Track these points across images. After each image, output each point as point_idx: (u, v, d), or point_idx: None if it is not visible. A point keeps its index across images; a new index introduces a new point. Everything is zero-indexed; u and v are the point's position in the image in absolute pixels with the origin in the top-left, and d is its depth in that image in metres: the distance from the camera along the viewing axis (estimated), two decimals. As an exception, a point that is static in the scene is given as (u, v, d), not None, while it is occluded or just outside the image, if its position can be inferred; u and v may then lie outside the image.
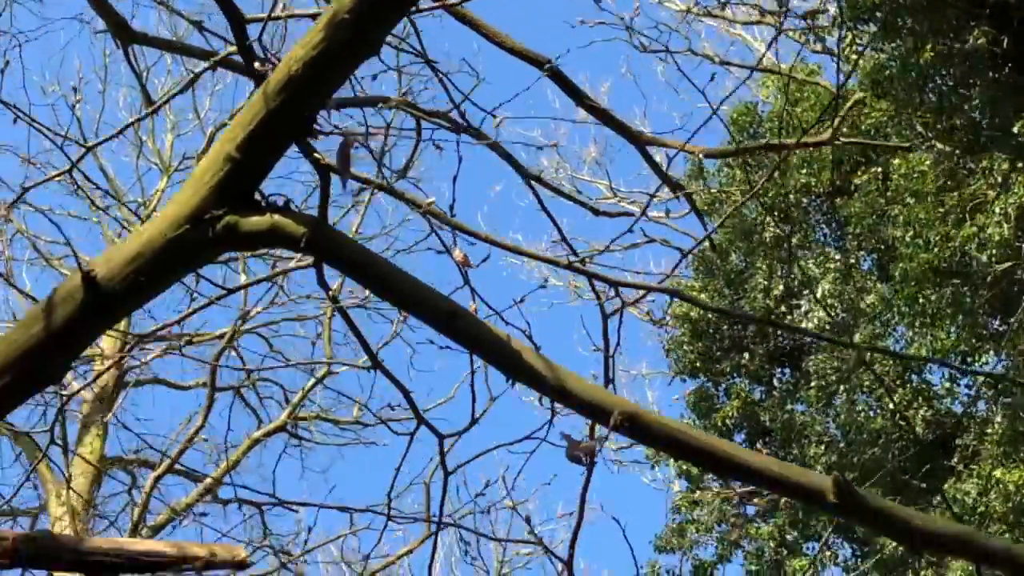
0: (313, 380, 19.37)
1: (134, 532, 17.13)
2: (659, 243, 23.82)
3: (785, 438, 18.71)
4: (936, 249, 13.43)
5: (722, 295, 19.98)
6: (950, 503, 15.34)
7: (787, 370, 20.83)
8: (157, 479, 16.80)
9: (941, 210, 13.21)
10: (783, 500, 20.15)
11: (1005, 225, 12.52)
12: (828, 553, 19.68)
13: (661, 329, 23.39)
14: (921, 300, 13.97)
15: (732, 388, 19.77)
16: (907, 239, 13.74)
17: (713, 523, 21.93)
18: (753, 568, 20.31)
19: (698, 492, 22.14)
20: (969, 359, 15.59)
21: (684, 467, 21.60)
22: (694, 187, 22.87)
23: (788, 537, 20.53)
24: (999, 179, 12.31)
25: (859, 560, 19.05)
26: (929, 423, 16.97)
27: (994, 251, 12.70)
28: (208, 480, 18.56)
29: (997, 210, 12.54)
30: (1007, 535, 13.03)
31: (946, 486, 15.55)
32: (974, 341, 14.03)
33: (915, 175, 13.90)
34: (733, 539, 21.76)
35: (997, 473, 12.70)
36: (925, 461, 16.55)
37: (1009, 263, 12.43)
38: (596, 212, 12.00)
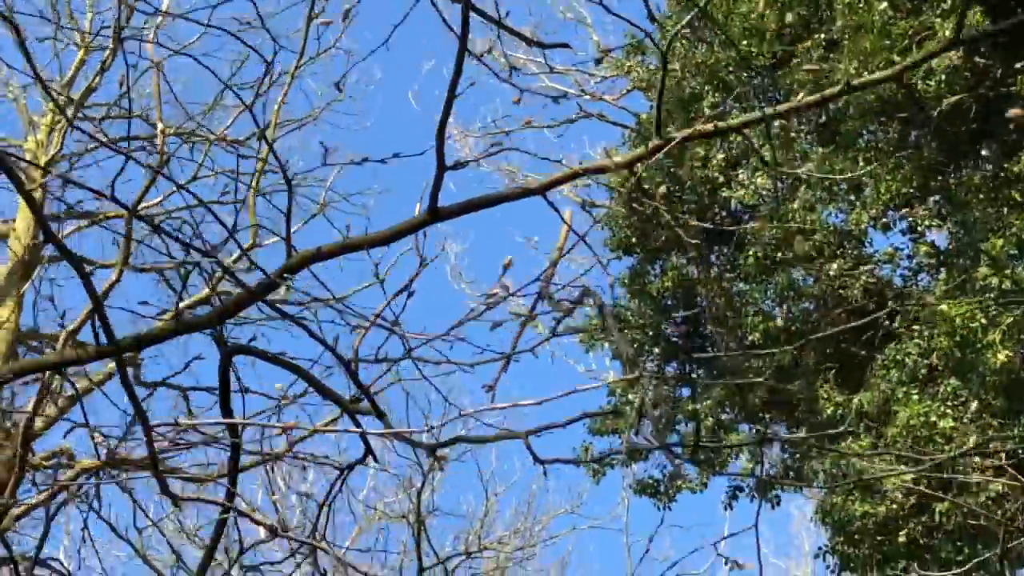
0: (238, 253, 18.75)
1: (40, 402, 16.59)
2: (595, 118, 23.55)
3: (722, 311, 18.48)
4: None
5: (660, 168, 19.60)
6: (889, 367, 15.24)
7: (725, 249, 20.58)
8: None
9: (888, 41, 12.88)
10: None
11: (953, 54, 12.22)
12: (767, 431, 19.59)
13: (594, 210, 23.12)
14: (866, 136, 13.68)
15: (668, 264, 19.47)
16: (851, 70, 13.41)
17: (649, 405, 21.74)
18: (689, 442, 20.13)
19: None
20: (909, 221, 15.40)
21: (619, 349, 21.40)
22: (633, 62, 22.52)
23: (723, 416, 20.44)
24: (948, 5, 11.99)
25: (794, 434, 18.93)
26: (869, 291, 16.80)
27: (943, 82, 12.40)
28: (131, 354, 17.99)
29: (947, 34, 12.22)
30: (953, 378, 12.88)
31: (887, 349, 15.39)
32: (915, 187, 13.79)
33: (861, 6, 13.55)
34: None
35: (943, 307, 12.51)
36: (866, 329, 16.39)
37: (958, 96, 12.14)
38: (531, 43, 11.52)
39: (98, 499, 14.71)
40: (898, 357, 15.05)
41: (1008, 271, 12.48)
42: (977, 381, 13.07)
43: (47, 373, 16.68)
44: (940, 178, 14.64)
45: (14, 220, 20.05)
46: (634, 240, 20.32)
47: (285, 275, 4.56)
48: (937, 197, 14.79)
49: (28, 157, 19.79)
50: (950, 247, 15.69)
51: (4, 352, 18.02)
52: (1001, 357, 11.77)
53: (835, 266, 16.69)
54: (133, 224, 14.86)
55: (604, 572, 31.93)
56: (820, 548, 19.93)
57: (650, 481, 22.01)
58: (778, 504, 20.93)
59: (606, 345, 22.31)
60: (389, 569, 30.92)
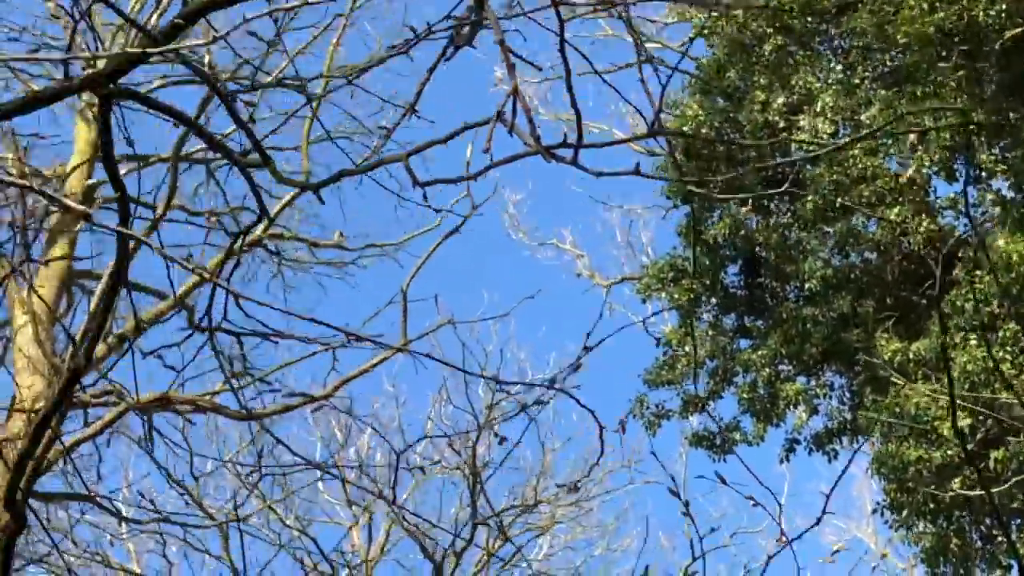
0: (291, 195, 18.83)
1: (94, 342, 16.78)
2: (655, 63, 23.23)
3: (779, 256, 18.24)
4: (941, 12, 12.79)
5: (719, 112, 19.35)
6: (945, 315, 14.96)
7: (785, 200, 20.27)
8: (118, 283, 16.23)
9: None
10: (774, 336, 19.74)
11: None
12: (821, 382, 19.36)
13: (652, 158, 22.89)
14: (925, 67, 13.37)
15: (725, 211, 19.23)
16: (911, 1, 13.09)
17: (705, 357, 21.57)
18: (746, 397, 19.97)
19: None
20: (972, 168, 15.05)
21: (677, 298, 21.20)
22: (694, 9, 22.21)
23: (782, 367, 20.20)
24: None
25: (852, 387, 18.70)
26: (931, 239, 16.49)
27: (1005, 11, 12.06)
28: (181, 293, 18.27)
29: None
30: (1012, 322, 12.60)
31: (949, 296, 15.10)
32: (977, 124, 13.46)
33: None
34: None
35: (1001, 242, 12.24)
36: (926, 277, 16.12)
37: (1020, 29, 11.81)
38: None
39: (150, 440, 14.85)
40: (957, 303, 14.77)
41: None
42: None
43: (100, 313, 16.81)
44: (1001, 115, 14.32)
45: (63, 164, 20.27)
46: (692, 186, 20.06)
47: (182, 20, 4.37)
48: (1001, 140, 14.46)
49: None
50: (1011, 185, 15.31)
51: (56, 289, 18.26)
52: None
53: (895, 212, 16.37)
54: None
55: (663, 527, 31.67)
56: (878, 503, 19.75)
57: (706, 434, 21.80)
58: (835, 457, 20.72)
59: (663, 295, 22.08)
60: (446, 522, 31.07)
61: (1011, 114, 13.94)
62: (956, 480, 14.14)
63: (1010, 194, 14.87)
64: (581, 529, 31.47)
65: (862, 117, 17.74)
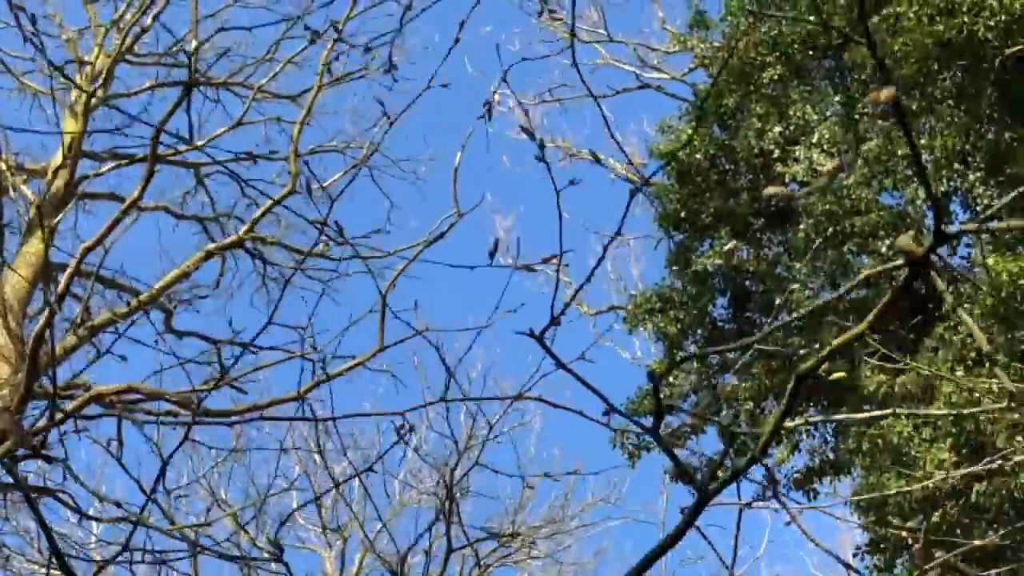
0: (276, 197, 18.60)
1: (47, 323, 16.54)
2: (654, 90, 23.21)
3: (768, 287, 18.04)
4: (941, 25, 12.66)
5: (713, 141, 19.23)
6: (936, 347, 14.70)
7: (776, 231, 20.13)
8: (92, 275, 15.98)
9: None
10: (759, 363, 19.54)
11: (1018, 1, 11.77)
12: (804, 419, 19.09)
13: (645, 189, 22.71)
14: (923, 80, 13.23)
15: (716, 240, 19.04)
16: (910, 13, 12.97)
17: (690, 389, 21.33)
18: (728, 425, 19.69)
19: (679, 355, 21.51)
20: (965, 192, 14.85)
21: (663, 327, 20.97)
22: (696, 39, 22.14)
23: (765, 405, 19.98)
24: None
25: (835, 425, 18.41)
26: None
27: (1004, 29, 11.92)
28: (155, 290, 18.06)
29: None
30: (1000, 353, 12.35)
31: (936, 329, 14.88)
32: (969, 141, 13.29)
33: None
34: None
35: (990, 261, 12.02)
36: (915, 311, 15.92)
37: (1020, 47, 11.68)
38: None
39: (119, 443, 14.52)
40: (945, 336, 14.56)
41: None
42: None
43: (55, 295, 16.58)
44: (993, 133, 14.17)
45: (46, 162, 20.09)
46: (683, 215, 19.92)
47: None
48: (988, 156, 14.28)
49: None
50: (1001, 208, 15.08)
51: (30, 283, 18.00)
52: None
53: (887, 244, 16.20)
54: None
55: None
56: (858, 547, 19.45)
57: (685, 468, 21.51)
58: (815, 497, 20.45)
59: (648, 326, 21.87)
60: (419, 552, 30.55)
61: (1006, 134, 13.80)
62: (937, 514, 13.88)
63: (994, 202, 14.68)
64: (558, 569, 31.01)
65: (862, 150, 17.62)
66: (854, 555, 19.47)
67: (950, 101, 13.55)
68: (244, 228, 19.05)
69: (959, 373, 13.89)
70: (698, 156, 18.97)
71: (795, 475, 19.96)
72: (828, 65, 19.67)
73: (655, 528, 29.04)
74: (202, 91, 21.56)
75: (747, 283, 20.62)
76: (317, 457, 30.79)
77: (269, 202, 19.12)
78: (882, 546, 15.50)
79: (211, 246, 18.95)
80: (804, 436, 19.52)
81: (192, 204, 22.64)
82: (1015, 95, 13.06)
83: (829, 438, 19.69)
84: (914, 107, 14.47)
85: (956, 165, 14.61)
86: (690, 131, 19.39)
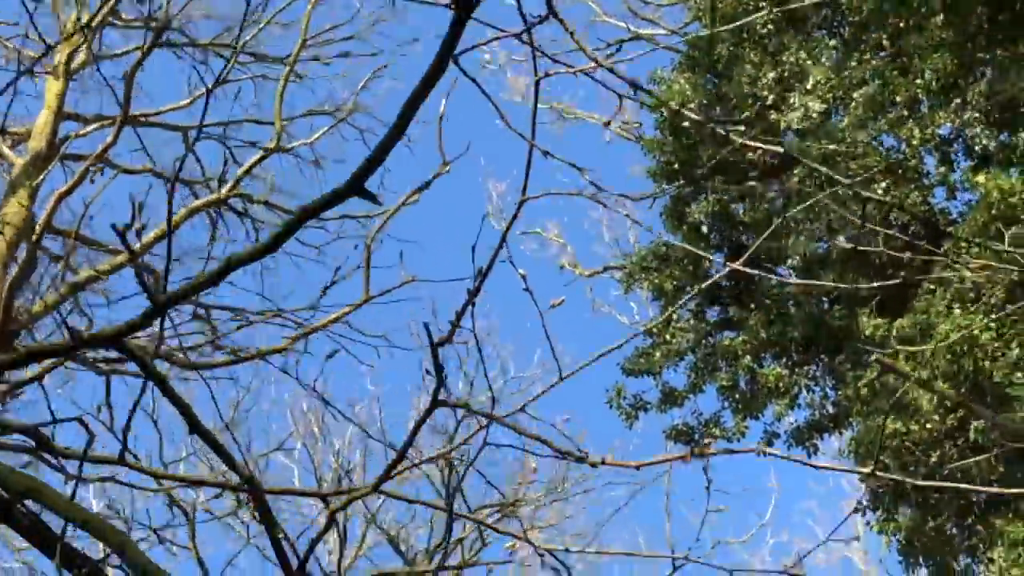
0: (260, 154, 18.37)
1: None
2: (647, 41, 22.87)
3: (761, 234, 17.72)
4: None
5: (706, 91, 18.92)
6: (934, 289, 14.46)
7: (771, 182, 19.79)
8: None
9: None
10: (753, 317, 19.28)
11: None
12: (803, 372, 18.82)
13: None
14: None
15: (709, 184, 18.72)
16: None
17: (687, 349, 21.01)
18: (727, 385, 19.44)
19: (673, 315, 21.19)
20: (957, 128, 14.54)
21: (660, 283, 20.65)
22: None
23: (764, 360, 19.70)
24: None
25: (834, 373, 18.17)
26: (919, 217, 16.00)
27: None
28: (138, 248, 17.83)
29: None
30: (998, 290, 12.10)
31: (934, 271, 14.61)
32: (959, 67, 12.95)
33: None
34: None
35: (981, 178, 11.75)
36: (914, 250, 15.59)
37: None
38: None
39: (108, 405, 14.33)
40: (944, 275, 14.27)
41: None
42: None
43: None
44: (985, 53, 13.87)
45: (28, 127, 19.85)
46: (677, 166, 19.61)
47: None
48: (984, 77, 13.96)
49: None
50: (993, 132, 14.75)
51: (10, 243, 17.76)
52: None
53: (883, 187, 15.91)
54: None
55: (649, 534, 30.93)
56: (859, 503, 19.17)
57: (684, 428, 21.21)
58: (815, 452, 20.18)
59: (645, 284, 21.57)
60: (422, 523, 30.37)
61: (998, 52, 13.49)
62: (936, 453, 13.61)
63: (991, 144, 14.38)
64: (561, 539, 30.71)
65: (855, 95, 17.32)
66: (855, 511, 19.20)
67: (938, 19, 13.26)
68: (228, 186, 18.86)
69: (957, 311, 13.62)
70: (691, 106, 18.65)
71: (794, 430, 19.68)
72: (822, 10, 19.35)
73: (659, 491, 28.77)
74: (188, 53, 21.36)
75: (743, 236, 20.33)
76: (316, 428, 30.60)
77: (253, 159, 18.96)
78: (883, 495, 15.24)
79: (195, 203, 18.76)
80: (804, 391, 19.24)
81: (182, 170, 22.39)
82: (1006, 14, 12.76)
83: (829, 391, 19.42)
84: (901, 24, 14.16)
85: (954, 101, 14.30)
86: (682, 81, 19.07)
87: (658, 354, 20.75)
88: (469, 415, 4.02)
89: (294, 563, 3.76)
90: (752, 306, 19.15)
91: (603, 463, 4.22)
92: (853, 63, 17.14)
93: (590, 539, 30.25)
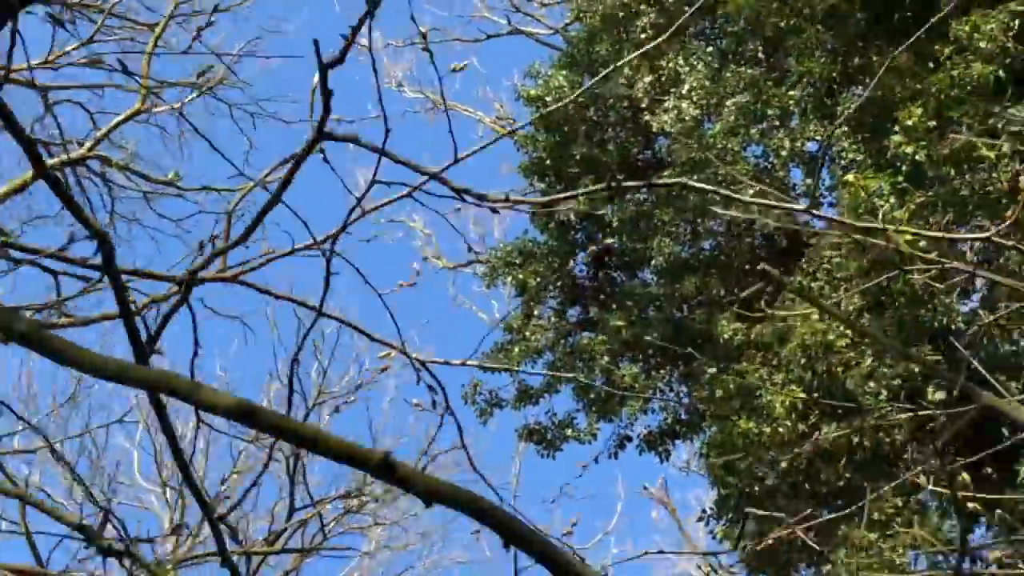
0: (122, 116, 17.85)
1: None
2: (527, 36, 22.85)
3: (631, 235, 17.80)
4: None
5: (582, 87, 18.89)
6: (794, 295, 14.58)
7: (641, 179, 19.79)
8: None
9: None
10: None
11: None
12: (660, 375, 18.90)
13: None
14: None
15: (580, 185, 18.67)
16: None
17: (545, 347, 20.93)
18: (583, 382, 19.41)
19: (535, 311, 21.14)
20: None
21: (523, 279, 20.57)
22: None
23: (622, 363, 19.71)
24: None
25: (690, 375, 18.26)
26: (782, 226, 16.16)
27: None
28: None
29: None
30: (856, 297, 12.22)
31: (794, 277, 14.77)
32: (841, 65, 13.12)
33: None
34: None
35: (850, 177, 11.92)
36: (775, 261, 15.79)
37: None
38: None
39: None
40: (804, 283, 14.46)
41: (924, 142, 11.88)
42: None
43: None
44: (861, 59, 14.08)
45: None
46: (548, 162, 19.57)
47: None
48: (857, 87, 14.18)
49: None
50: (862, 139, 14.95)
51: None
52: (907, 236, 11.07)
53: (750, 194, 16.03)
54: None
55: (492, 537, 30.85)
56: (703, 511, 19.29)
57: (537, 427, 21.13)
58: (667, 458, 20.30)
59: (508, 279, 21.48)
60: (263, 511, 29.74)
61: (874, 57, 13.71)
62: (786, 459, 13.72)
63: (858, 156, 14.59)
64: (405, 538, 30.32)
65: (728, 103, 17.47)
66: (699, 519, 19.31)
67: (819, 27, 13.42)
68: (86, 146, 18.28)
69: (815, 318, 13.77)
70: (567, 103, 18.59)
71: (648, 435, 19.75)
72: (702, 17, 19.52)
73: (507, 491, 28.63)
74: (52, 13, 20.63)
75: (610, 239, 20.39)
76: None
77: (114, 120, 18.42)
78: (730, 502, 15.33)
79: (50, 161, 18.13)
80: (659, 394, 19.32)
81: (40, 131, 21.66)
82: (888, 18, 12.95)
83: (684, 397, 19.54)
84: (783, 25, 14.31)
85: (827, 112, 14.49)
86: (560, 77, 19.05)
87: (516, 350, 20.68)
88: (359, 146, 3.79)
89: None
90: (614, 307, 19.20)
91: (507, 200, 4.05)
92: (728, 73, 17.30)
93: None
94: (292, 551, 19.26)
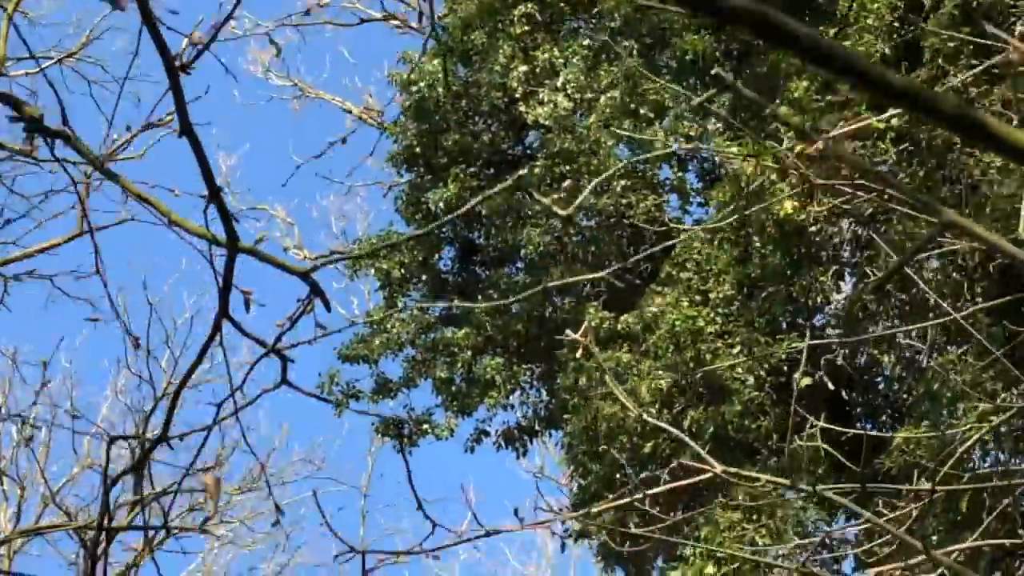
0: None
1: None
2: (397, 20, 22.56)
3: (500, 226, 17.66)
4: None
5: (456, 77, 18.73)
6: (664, 285, 14.59)
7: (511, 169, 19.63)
8: None
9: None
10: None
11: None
12: (521, 369, 18.72)
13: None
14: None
15: (451, 175, 18.47)
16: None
17: (407, 340, 20.60)
18: (443, 377, 19.17)
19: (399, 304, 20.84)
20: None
21: (388, 269, 20.23)
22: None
23: (483, 352, 19.50)
24: None
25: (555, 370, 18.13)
26: (652, 219, 16.21)
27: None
28: None
29: None
30: (727, 285, 12.21)
31: (667, 268, 14.77)
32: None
33: None
34: None
35: (735, 149, 11.89)
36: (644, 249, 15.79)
37: None
38: None
39: None
40: (673, 273, 14.46)
41: (810, 114, 11.92)
42: (759, 234, 12.51)
43: None
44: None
45: None
46: (418, 150, 19.31)
47: None
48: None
49: None
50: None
51: None
52: (787, 207, 11.16)
53: (621, 184, 16.07)
54: None
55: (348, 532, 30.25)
56: (559, 509, 19.16)
57: (394, 421, 20.78)
58: (524, 455, 20.16)
59: (371, 272, 21.13)
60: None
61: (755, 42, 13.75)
62: (648, 445, 13.64)
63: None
64: (253, 539, 29.51)
65: (603, 98, 17.45)
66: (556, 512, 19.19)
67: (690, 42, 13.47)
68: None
69: (685, 304, 13.77)
70: (439, 90, 18.41)
71: (505, 431, 19.58)
72: (579, 14, 19.54)
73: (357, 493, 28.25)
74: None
75: (476, 234, 20.21)
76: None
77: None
78: (590, 490, 15.18)
79: None
80: (520, 389, 19.16)
81: None
82: None
83: (544, 396, 19.40)
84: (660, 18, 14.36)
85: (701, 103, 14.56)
86: (433, 64, 18.80)
87: (377, 342, 20.32)
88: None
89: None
90: (479, 299, 18.97)
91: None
92: (602, 71, 17.32)
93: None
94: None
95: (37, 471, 26.81)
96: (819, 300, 12.99)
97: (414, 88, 18.61)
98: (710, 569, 11.86)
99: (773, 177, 12.06)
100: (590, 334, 5.28)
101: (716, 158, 15.78)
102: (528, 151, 19.27)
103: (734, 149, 10.33)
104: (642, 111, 16.99)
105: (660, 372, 13.59)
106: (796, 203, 9.68)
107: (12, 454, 27.43)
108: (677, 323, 13.49)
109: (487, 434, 19.82)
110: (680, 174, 16.68)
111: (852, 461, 6.03)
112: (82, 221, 14.41)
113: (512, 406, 19.70)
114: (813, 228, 12.07)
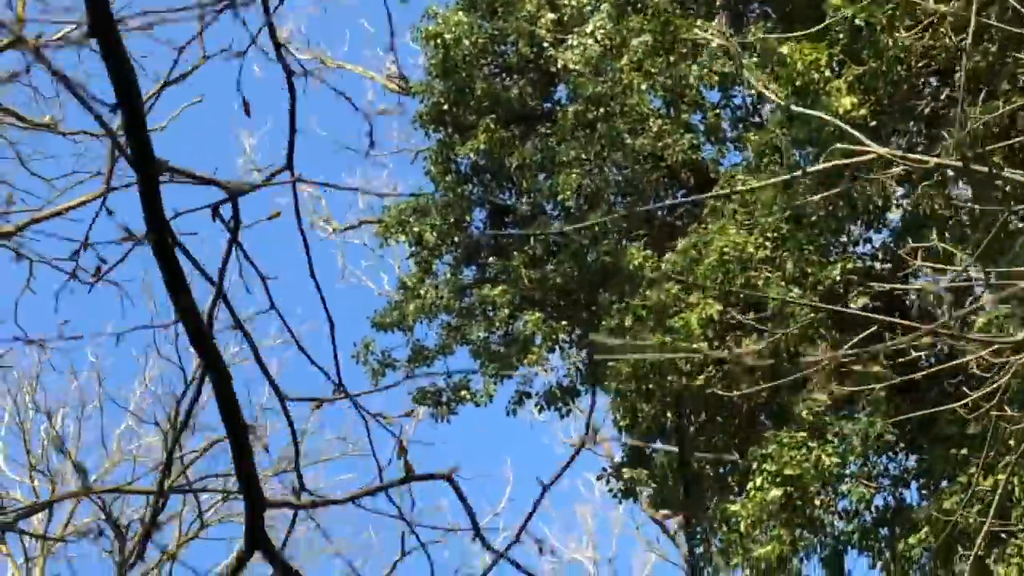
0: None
1: None
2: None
3: (535, 175, 17.26)
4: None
5: (482, 30, 18.38)
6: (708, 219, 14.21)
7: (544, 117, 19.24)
8: None
9: None
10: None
11: None
12: (561, 325, 18.36)
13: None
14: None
15: (481, 126, 18.07)
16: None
17: (441, 306, 20.20)
18: (481, 337, 18.82)
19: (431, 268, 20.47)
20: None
21: (420, 232, 19.83)
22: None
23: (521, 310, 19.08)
24: None
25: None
26: (688, 162, 15.82)
27: None
28: None
29: None
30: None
31: (707, 206, 14.37)
32: None
33: None
34: None
35: (784, 49, 11.52)
36: (686, 193, 15.43)
37: None
38: None
39: None
40: (717, 205, 14.05)
41: (863, 3, 11.45)
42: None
43: None
44: None
45: None
46: (446, 107, 18.92)
47: None
48: None
49: None
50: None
51: None
52: (846, 103, 10.75)
53: (657, 125, 15.67)
54: None
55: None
56: (603, 469, 18.72)
57: (431, 390, 20.36)
58: (568, 415, 19.77)
59: (402, 237, 20.71)
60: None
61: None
62: (701, 377, 13.24)
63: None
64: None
65: (633, 43, 17.05)
66: (599, 477, 18.73)
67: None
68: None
69: (732, 231, 13.37)
70: (466, 42, 18.03)
71: (547, 391, 19.15)
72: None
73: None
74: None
75: (507, 194, 19.81)
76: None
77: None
78: (639, 416, 14.68)
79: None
80: (559, 346, 18.72)
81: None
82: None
83: (584, 354, 18.96)
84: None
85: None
86: (460, 15, 18.41)
87: (411, 307, 19.96)
88: None
89: None
90: (515, 253, 18.53)
91: None
92: (633, 14, 16.94)
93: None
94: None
95: (68, 466, 26.65)
96: (871, 220, 12.59)
97: (439, 41, 18.19)
98: (776, 492, 11.44)
99: (827, 73, 11.71)
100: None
101: (750, 102, 15.39)
102: (558, 105, 18.83)
103: (783, 49, 9.93)
104: (675, 52, 16.59)
105: (710, 301, 13.18)
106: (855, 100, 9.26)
107: (42, 452, 27.26)
108: (726, 249, 13.09)
109: (528, 396, 19.41)
110: (717, 114, 16.26)
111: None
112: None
113: (551, 368, 19.26)
114: (873, 124, 11.59)
